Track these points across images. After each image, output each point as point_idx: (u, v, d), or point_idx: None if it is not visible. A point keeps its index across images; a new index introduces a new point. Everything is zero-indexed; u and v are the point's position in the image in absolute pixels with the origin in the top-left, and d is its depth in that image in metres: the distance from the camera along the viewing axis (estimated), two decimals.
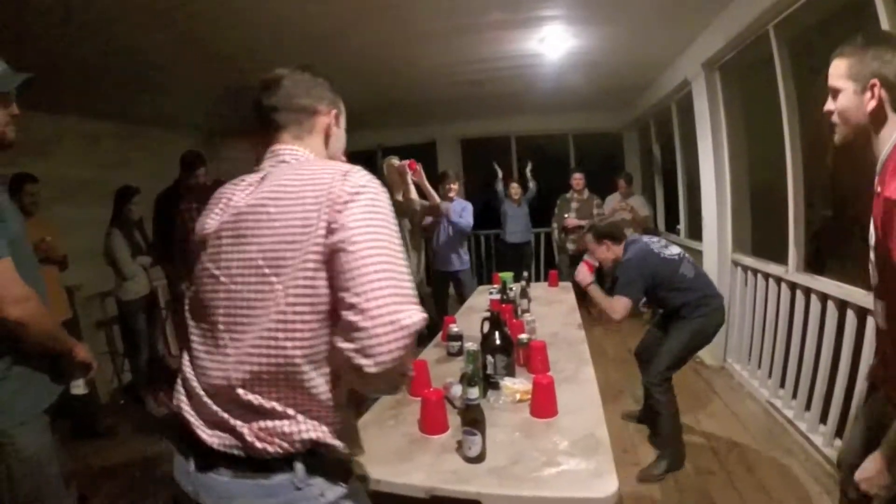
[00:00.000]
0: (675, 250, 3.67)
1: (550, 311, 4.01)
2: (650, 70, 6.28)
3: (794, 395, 3.89)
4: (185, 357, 1.34)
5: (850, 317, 3.28)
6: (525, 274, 4.35)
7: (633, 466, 3.56)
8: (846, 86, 1.55)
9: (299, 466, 1.19)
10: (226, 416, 1.21)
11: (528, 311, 3.86)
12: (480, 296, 4.73)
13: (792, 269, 4.01)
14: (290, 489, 1.18)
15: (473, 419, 1.79)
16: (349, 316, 1.08)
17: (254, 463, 1.18)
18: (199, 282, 1.31)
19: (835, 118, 1.63)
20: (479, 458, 1.81)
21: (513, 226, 7.57)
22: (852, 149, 1.61)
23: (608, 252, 3.71)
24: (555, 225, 7.50)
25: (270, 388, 1.19)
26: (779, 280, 4.19)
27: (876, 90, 1.48)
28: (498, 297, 3.80)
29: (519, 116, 8.79)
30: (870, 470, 1.54)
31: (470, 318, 3.68)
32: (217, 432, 1.23)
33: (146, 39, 4.17)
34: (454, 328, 3.11)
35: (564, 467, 1.77)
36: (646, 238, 3.77)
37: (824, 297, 3.58)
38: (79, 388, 2.22)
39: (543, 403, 2.18)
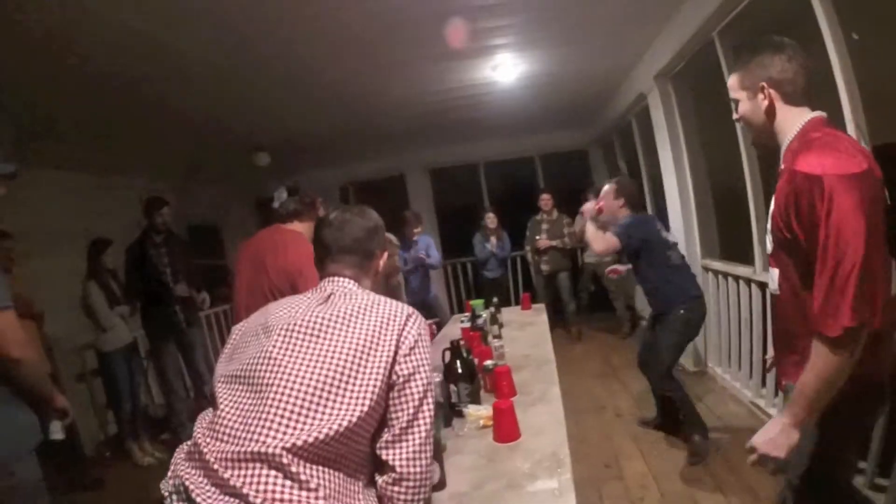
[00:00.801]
0: (671, 237, 3.94)
1: (522, 335, 3.98)
2: (606, 87, 6.37)
3: (776, 393, 3.86)
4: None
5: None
6: (495, 300, 4.32)
7: (616, 481, 3.52)
8: (741, 95, 1.77)
9: None
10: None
11: (498, 336, 3.83)
12: (453, 325, 4.68)
13: (759, 269, 4.01)
14: None
15: None
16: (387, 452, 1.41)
17: None
18: (253, 362, 1.45)
19: (742, 123, 1.84)
20: (440, 486, 1.79)
21: (491, 265, 7.50)
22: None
23: (618, 209, 3.88)
24: (527, 247, 7.52)
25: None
26: (748, 281, 4.19)
27: (766, 91, 1.69)
28: (468, 325, 3.83)
29: (485, 142, 8.84)
30: (770, 433, 1.64)
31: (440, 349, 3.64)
32: None
33: (125, 96, 4.37)
34: None
35: (528, 489, 1.74)
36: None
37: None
38: (57, 433, 2.40)
39: (504, 427, 2.14)
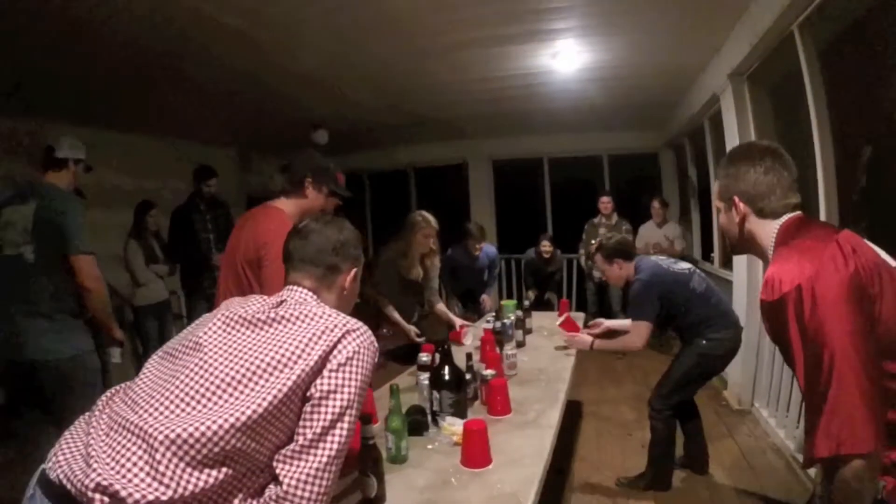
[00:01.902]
0: (683, 265, 3.53)
1: (547, 345, 3.71)
2: (678, 84, 5.90)
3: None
4: None
5: None
6: (526, 303, 4.02)
7: None
8: (720, 206, 1.67)
9: None
10: None
11: (522, 343, 3.63)
12: (481, 325, 4.42)
13: None
14: None
15: (363, 459, 1.69)
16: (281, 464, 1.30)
17: None
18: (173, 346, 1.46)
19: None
20: (378, 501, 1.69)
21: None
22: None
23: (620, 271, 3.52)
24: (582, 251, 7.04)
25: None
26: None
27: (739, 206, 1.57)
28: (492, 326, 3.62)
29: (551, 137, 8.46)
30: None
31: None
32: None
33: (187, 65, 4.61)
34: (423, 357, 2.83)
35: None
36: (654, 257, 3.62)
37: None
38: (115, 357, 3.31)
39: (472, 451, 1.91)
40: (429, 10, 3.87)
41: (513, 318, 3.73)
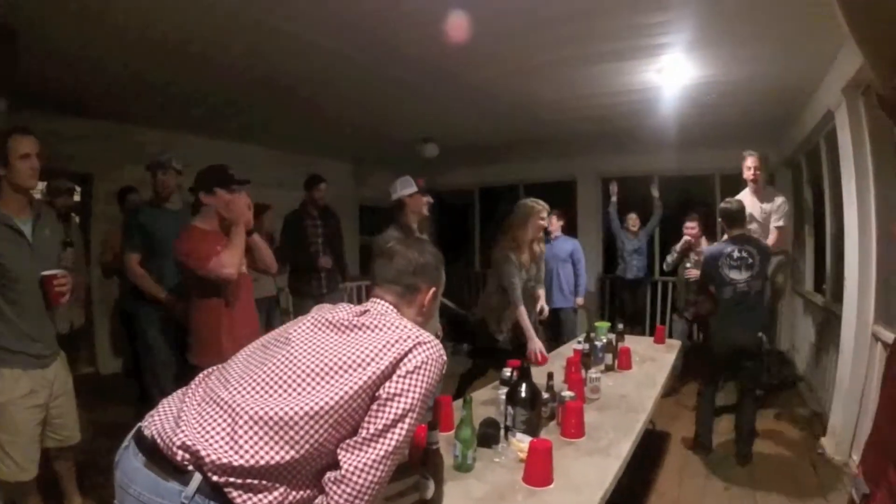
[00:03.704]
0: (734, 273, 4.06)
1: (636, 371, 3.65)
2: (791, 98, 5.58)
3: None
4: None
5: None
6: (620, 326, 3.99)
7: None
8: None
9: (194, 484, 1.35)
10: None
11: (611, 366, 3.62)
12: (570, 345, 4.39)
13: None
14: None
15: (426, 463, 1.80)
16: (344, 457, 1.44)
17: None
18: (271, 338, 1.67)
19: None
20: (433, 503, 1.80)
21: (629, 260, 7.08)
22: None
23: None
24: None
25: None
26: None
27: None
28: (581, 347, 3.63)
29: (660, 154, 8.17)
30: None
31: (554, 364, 3.55)
32: None
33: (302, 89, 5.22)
34: (506, 372, 2.93)
35: None
36: None
37: None
38: None
39: (534, 469, 1.96)
40: (528, 29, 3.93)
41: (605, 340, 3.72)
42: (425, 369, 1.51)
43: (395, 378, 1.48)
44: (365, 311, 1.66)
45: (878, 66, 0.93)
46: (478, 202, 10.24)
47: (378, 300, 1.73)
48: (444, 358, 1.59)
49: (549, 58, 4.49)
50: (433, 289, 1.82)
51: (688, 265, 5.85)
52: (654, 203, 7.13)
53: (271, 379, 1.46)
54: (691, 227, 5.84)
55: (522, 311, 3.92)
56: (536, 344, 3.85)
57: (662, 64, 4.62)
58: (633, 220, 7.07)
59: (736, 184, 7.27)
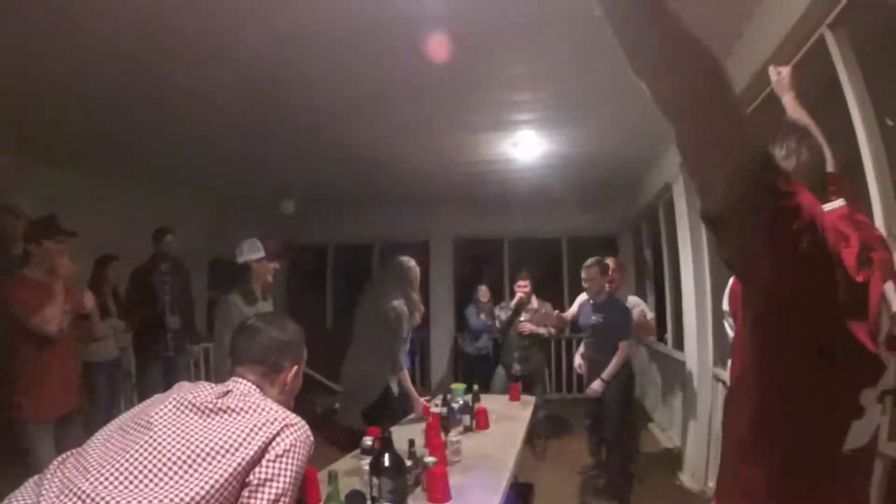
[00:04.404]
0: None
1: (495, 430, 3.62)
2: (634, 172, 6.15)
3: None
4: None
5: None
6: (475, 387, 3.96)
7: None
8: None
9: None
10: None
11: (470, 427, 3.54)
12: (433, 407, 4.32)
13: None
14: None
15: None
16: None
17: None
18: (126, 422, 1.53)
19: None
20: None
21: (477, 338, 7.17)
22: None
23: None
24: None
25: None
26: None
27: None
28: (439, 410, 3.56)
29: (511, 218, 8.59)
30: None
31: (414, 430, 3.38)
32: None
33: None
34: (367, 441, 2.80)
35: None
36: None
37: None
38: None
39: None
40: (404, 95, 4.02)
41: (461, 401, 3.67)
42: (294, 452, 1.49)
43: (264, 463, 1.44)
44: (227, 392, 1.60)
45: (704, 192, 1.00)
46: (331, 261, 9.99)
47: (240, 380, 1.66)
48: (311, 438, 1.55)
49: (416, 122, 4.62)
50: (296, 367, 1.78)
51: (521, 320, 5.94)
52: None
53: (135, 468, 1.36)
54: (523, 286, 5.90)
55: (406, 375, 3.91)
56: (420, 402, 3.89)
57: (517, 138, 4.91)
58: (483, 291, 7.02)
59: (580, 244, 7.66)
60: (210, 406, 1.52)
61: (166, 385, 5.09)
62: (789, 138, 1.42)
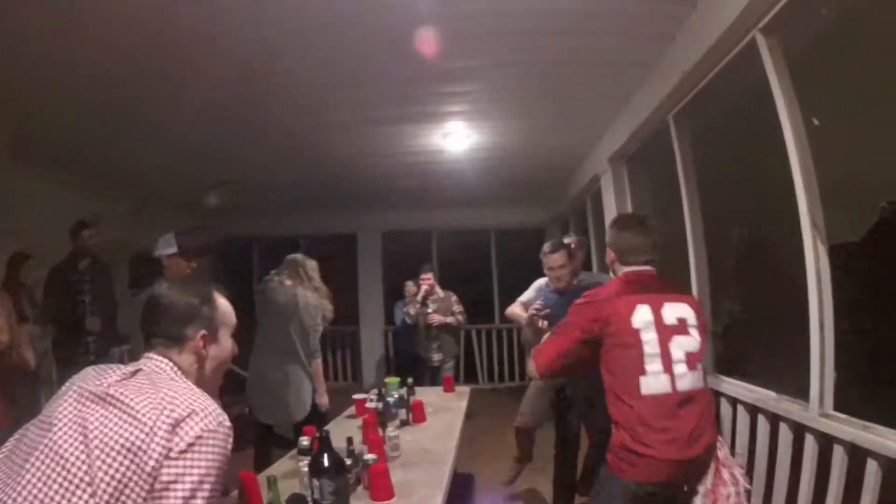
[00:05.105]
0: None
1: (433, 422, 3.58)
2: (564, 165, 6.22)
3: None
4: None
5: (762, 423, 2.93)
6: (409, 380, 3.91)
7: None
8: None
9: None
10: None
11: (406, 421, 3.50)
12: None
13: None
14: None
15: None
16: None
17: None
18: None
19: None
20: None
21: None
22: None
23: None
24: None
25: None
26: None
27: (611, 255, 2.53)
28: (374, 405, 3.43)
29: (440, 211, 8.65)
30: None
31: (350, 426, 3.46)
32: None
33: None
34: (304, 441, 2.66)
35: None
36: None
37: (734, 402, 3.23)
38: None
39: None
40: (334, 86, 3.94)
41: (396, 396, 3.61)
42: (205, 444, 1.30)
43: (167, 461, 1.25)
44: (136, 372, 1.43)
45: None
46: (257, 256, 9.72)
47: (152, 356, 1.50)
48: (227, 424, 1.37)
49: (344, 116, 4.52)
50: (202, 332, 1.56)
51: (428, 311, 6.08)
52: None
53: (38, 480, 1.21)
54: (427, 279, 6.14)
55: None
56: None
57: (448, 129, 4.89)
58: (408, 287, 6.78)
59: (510, 237, 7.68)
60: (111, 393, 1.34)
61: None
62: None
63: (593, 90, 4.02)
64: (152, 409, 1.30)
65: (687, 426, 2.11)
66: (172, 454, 1.25)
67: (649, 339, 2.17)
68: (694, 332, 2.25)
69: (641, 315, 2.20)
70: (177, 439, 1.27)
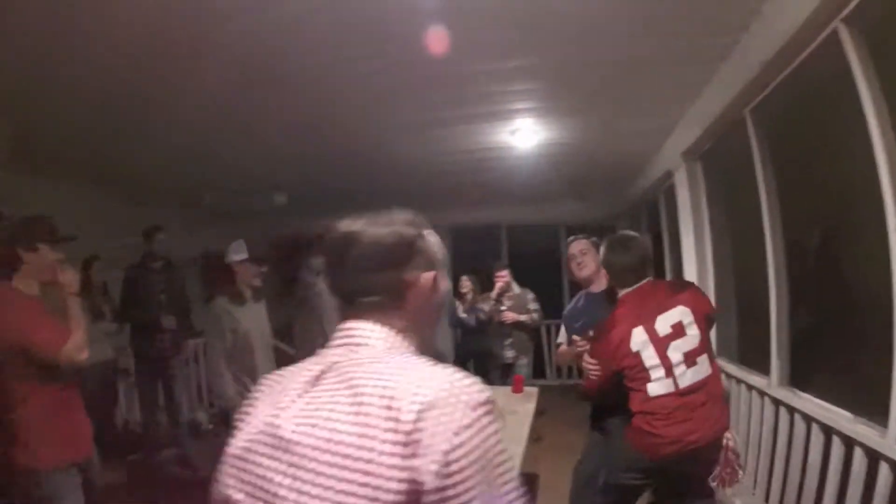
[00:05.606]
0: None
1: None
2: (632, 160, 6.09)
3: None
4: None
5: (837, 445, 2.77)
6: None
7: None
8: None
9: None
10: None
11: None
12: None
13: (774, 383, 3.52)
14: None
15: None
16: None
17: None
18: None
19: None
20: None
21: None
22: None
23: None
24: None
25: None
26: (762, 393, 3.69)
27: None
28: None
29: (509, 206, 8.64)
30: None
31: None
32: None
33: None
34: None
35: None
36: None
37: (808, 419, 3.09)
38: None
39: None
40: (396, 89, 3.97)
41: None
42: (472, 452, 0.87)
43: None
44: (320, 375, 1.01)
45: None
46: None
47: (349, 329, 1.07)
48: (485, 395, 0.94)
49: (413, 115, 4.53)
50: (425, 273, 1.11)
51: (502, 309, 5.96)
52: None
53: None
54: (502, 275, 6.03)
55: None
56: None
57: (516, 126, 4.85)
58: (463, 282, 6.52)
59: (581, 233, 7.51)
60: (302, 445, 0.93)
61: (163, 384, 5.17)
62: None
63: (663, 83, 3.90)
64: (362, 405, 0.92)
65: (691, 414, 2.54)
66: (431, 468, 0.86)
67: (648, 353, 2.59)
68: (691, 329, 2.61)
69: (637, 338, 2.61)
70: (425, 442, 0.87)
